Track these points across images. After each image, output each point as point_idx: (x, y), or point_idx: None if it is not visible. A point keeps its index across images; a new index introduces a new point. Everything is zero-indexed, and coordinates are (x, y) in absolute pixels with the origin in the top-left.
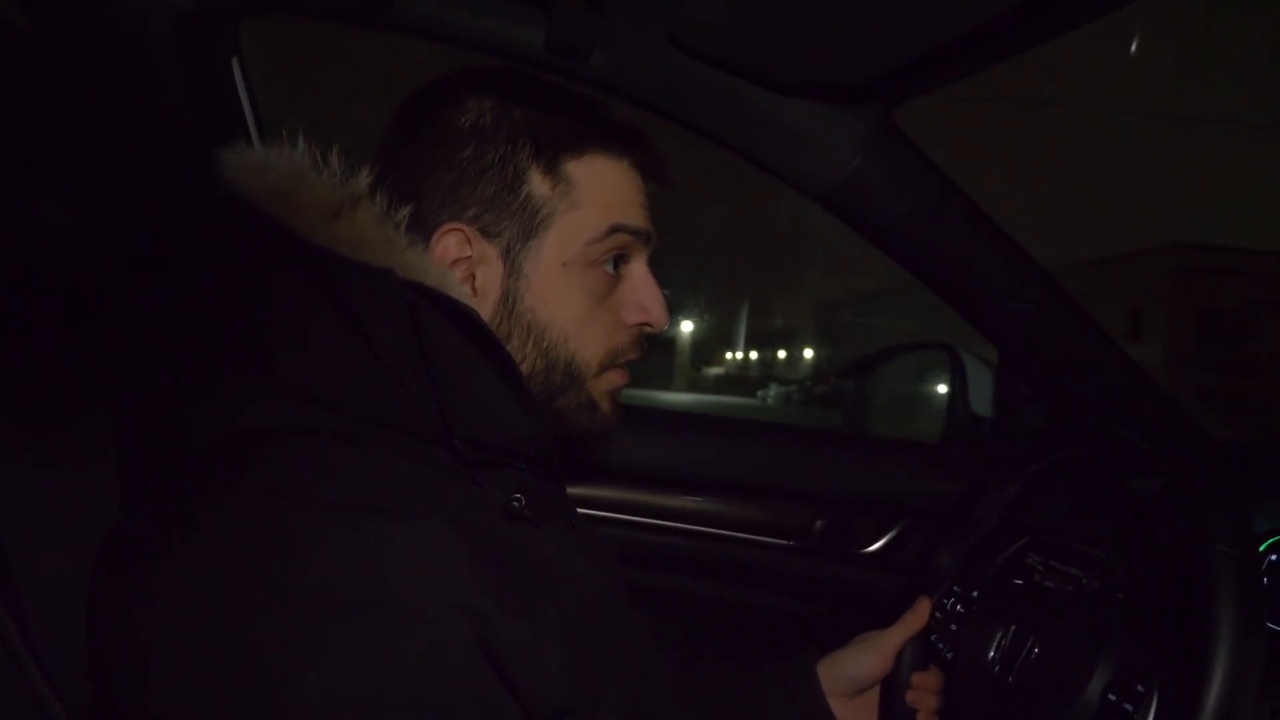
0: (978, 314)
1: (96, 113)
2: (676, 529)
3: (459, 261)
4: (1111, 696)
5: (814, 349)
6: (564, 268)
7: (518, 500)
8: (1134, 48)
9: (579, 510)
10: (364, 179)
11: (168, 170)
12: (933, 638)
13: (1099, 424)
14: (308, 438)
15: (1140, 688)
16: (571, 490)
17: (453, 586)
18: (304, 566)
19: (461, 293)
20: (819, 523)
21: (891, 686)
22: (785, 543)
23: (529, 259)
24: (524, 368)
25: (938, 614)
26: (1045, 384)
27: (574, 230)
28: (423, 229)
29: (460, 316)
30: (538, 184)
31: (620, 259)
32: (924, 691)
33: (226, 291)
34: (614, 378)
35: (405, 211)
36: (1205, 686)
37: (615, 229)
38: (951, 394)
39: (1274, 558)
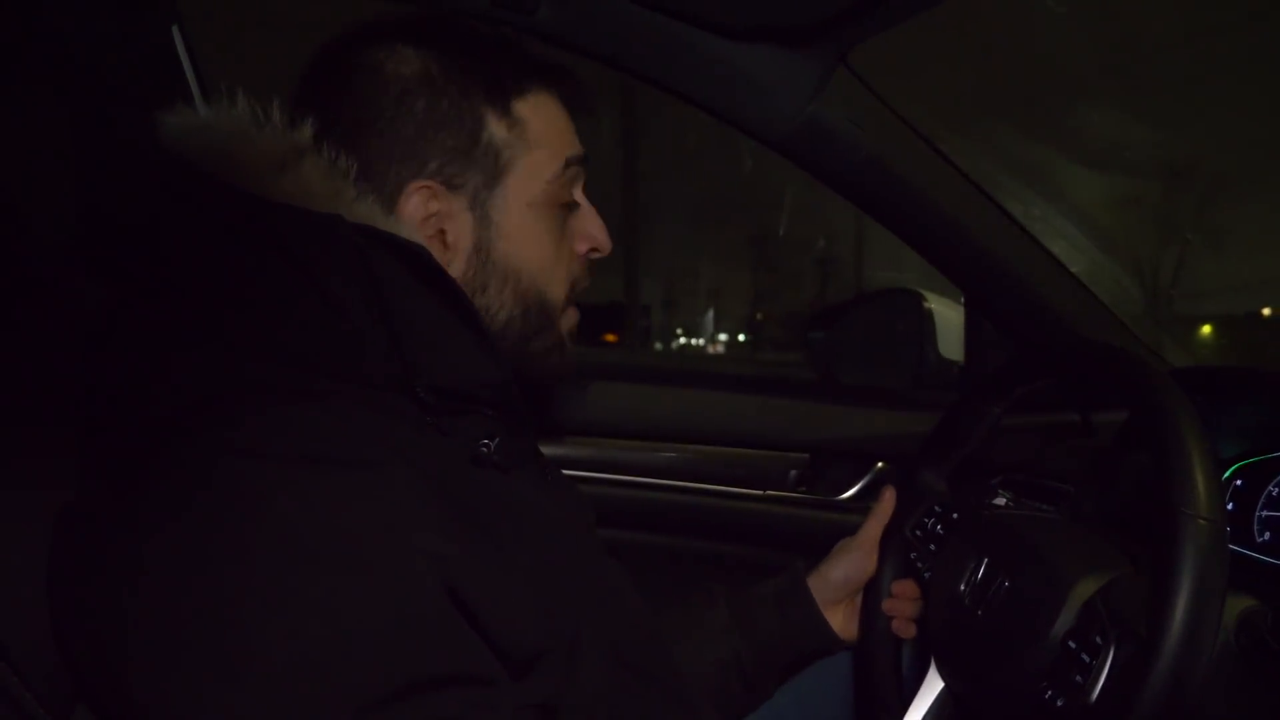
0: (940, 256)
1: (34, 89)
2: (651, 484)
3: (428, 219)
4: (1071, 644)
5: None
6: (530, 209)
7: (486, 446)
8: None
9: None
10: (307, 132)
11: (112, 143)
12: (912, 555)
13: (1077, 353)
14: (264, 394)
15: (1099, 639)
16: (545, 449)
17: (413, 531)
18: (262, 520)
19: (414, 238)
20: (793, 472)
21: (872, 593)
22: (760, 493)
23: (495, 206)
24: (502, 315)
25: (918, 532)
26: (1009, 323)
27: (535, 170)
28: (375, 185)
29: (412, 258)
30: (495, 129)
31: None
32: (903, 599)
33: (171, 254)
34: (572, 314)
35: (354, 162)
36: (1154, 657)
37: (570, 162)
38: (920, 339)
39: (1239, 483)
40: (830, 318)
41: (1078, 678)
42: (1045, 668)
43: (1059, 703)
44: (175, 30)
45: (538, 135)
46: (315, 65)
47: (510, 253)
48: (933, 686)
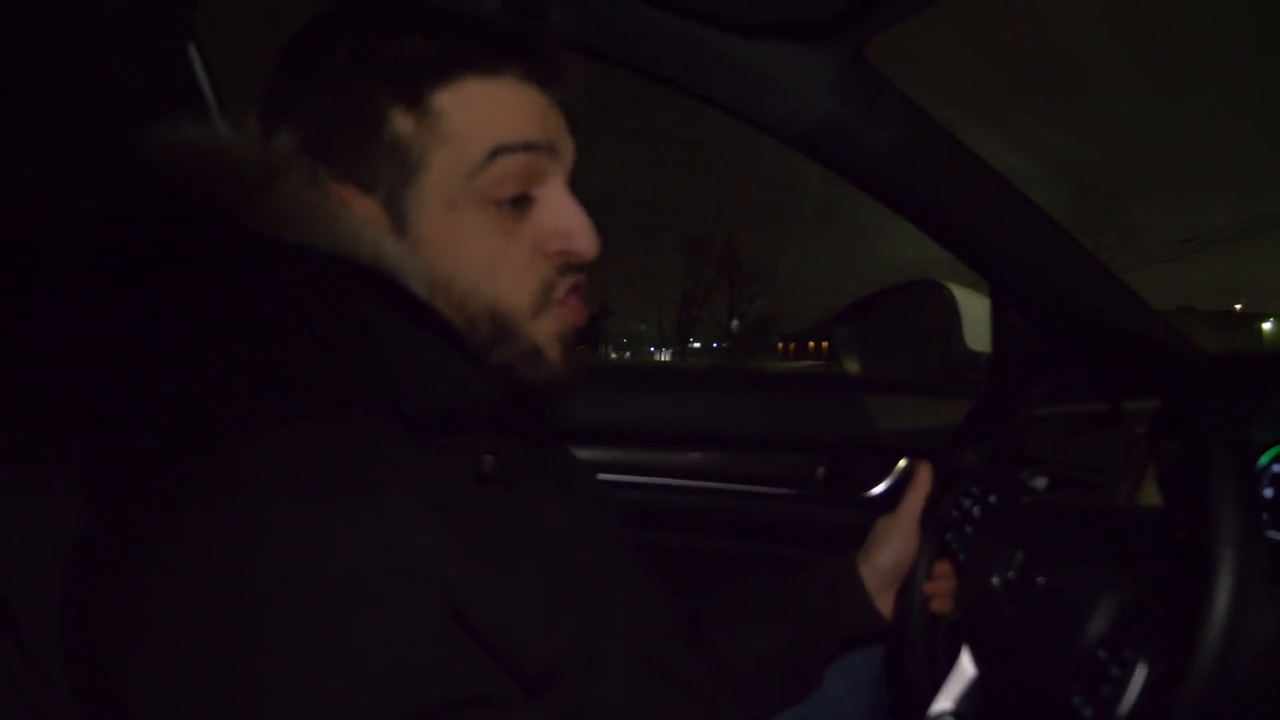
0: (964, 247)
1: (51, 107)
2: (678, 486)
3: None
4: (1101, 653)
5: None
6: (451, 211)
7: (487, 463)
8: None
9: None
10: (283, 146)
11: (129, 162)
12: (948, 537)
13: (1112, 340)
14: (257, 424)
15: (1129, 652)
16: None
17: (416, 558)
18: (262, 554)
19: (399, 252)
20: (821, 469)
21: (910, 571)
22: (788, 492)
23: (413, 208)
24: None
25: (955, 513)
26: (1037, 313)
27: (452, 166)
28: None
29: (386, 285)
30: (401, 123)
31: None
32: (943, 578)
33: (157, 282)
34: (560, 316)
35: (330, 173)
36: (1182, 691)
37: (497, 151)
38: (945, 332)
39: (1276, 468)
40: (855, 312)
41: (1105, 690)
42: (1075, 673)
43: (1086, 712)
44: (192, 48)
45: (458, 126)
46: (277, 68)
47: (434, 260)
48: (964, 672)
